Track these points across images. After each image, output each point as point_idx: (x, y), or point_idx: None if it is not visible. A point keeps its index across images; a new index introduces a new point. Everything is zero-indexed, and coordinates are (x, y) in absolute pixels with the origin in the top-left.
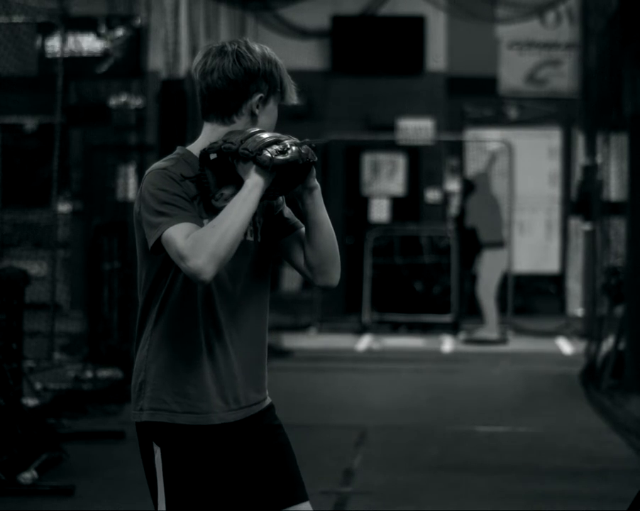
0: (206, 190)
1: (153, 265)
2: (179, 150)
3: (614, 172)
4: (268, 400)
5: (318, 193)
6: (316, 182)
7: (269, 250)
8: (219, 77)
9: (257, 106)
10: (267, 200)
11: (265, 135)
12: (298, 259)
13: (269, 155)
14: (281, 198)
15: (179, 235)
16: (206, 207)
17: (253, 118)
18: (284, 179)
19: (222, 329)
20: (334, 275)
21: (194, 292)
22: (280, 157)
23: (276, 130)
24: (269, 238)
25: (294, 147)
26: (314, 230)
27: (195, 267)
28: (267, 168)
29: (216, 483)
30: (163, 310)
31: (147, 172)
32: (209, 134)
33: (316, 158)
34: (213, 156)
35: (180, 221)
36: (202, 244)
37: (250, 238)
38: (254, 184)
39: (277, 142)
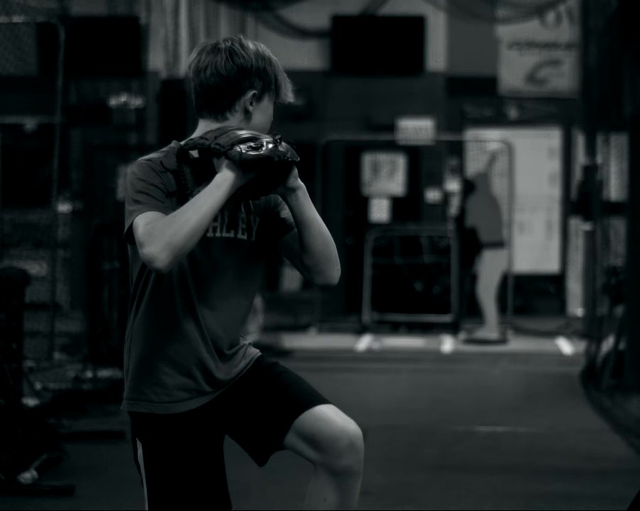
0: (183, 186)
1: (137, 256)
2: (172, 144)
3: (614, 172)
4: (257, 355)
5: (302, 193)
6: (298, 183)
7: (265, 249)
8: (212, 74)
9: (251, 103)
10: (249, 200)
11: (241, 132)
12: (296, 258)
13: (238, 150)
14: (280, 197)
15: (142, 222)
16: (182, 204)
17: (247, 115)
18: (264, 179)
19: (200, 322)
20: (331, 274)
21: (172, 284)
22: (252, 153)
23: (276, 130)
24: (267, 237)
25: (270, 145)
26: (303, 230)
27: (149, 254)
28: (235, 162)
29: (205, 465)
30: (141, 302)
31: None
32: (203, 131)
33: (298, 158)
34: (194, 153)
35: (149, 210)
36: (158, 232)
37: (242, 236)
38: (223, 179)
39: (252, 139)
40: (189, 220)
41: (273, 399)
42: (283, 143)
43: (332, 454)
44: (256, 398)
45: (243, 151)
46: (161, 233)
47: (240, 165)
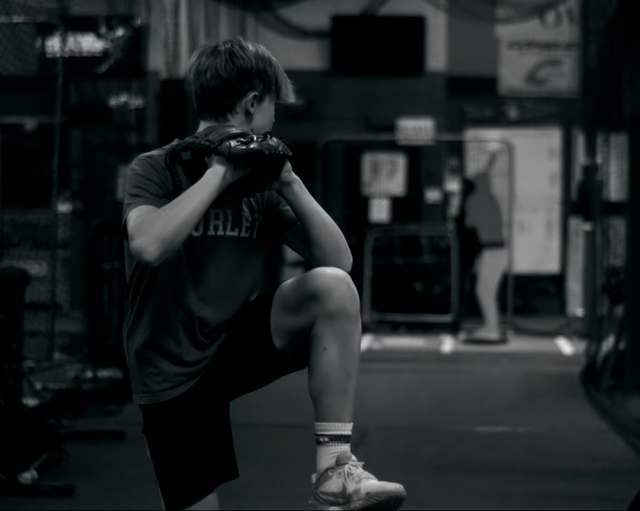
0: (177, 187)
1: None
2: (174, 142)
3: (614, 172)
4: None
5: (298, 186)
6: (292, 176)
7: (265, 244)
8: (212, 76)
9: (252, 105)
10: (245, 197)
11: (231, 129)
12: (304, 251)
13: (228, 144)
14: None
15: (134, 215)
16: None
17: (248, 116)
18: (258, 175)
19: (194, 315)
20: (341, 264)
21: (168, 278)
22: (241, 147)
23: (277, 130)
24: (270, 234)
25: (260, 140)
26: (305, 223)
27: (138, 247)
28: (225, 157)
29: (210, 438)
30: (136, 296)
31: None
32: None
33: (290, 152)
34: (187, 154)
35: (143, 204)
36: (148, 225)
37: (245, 234)
38: (214, 174)
39: (242, 135)
40: (178, 213)
41: (245, 316)
42: (274, 138)
43: (323, 296)
44: (235, 333)
45: (232, 146)
46: (150, 226)
47: (230, 159)
